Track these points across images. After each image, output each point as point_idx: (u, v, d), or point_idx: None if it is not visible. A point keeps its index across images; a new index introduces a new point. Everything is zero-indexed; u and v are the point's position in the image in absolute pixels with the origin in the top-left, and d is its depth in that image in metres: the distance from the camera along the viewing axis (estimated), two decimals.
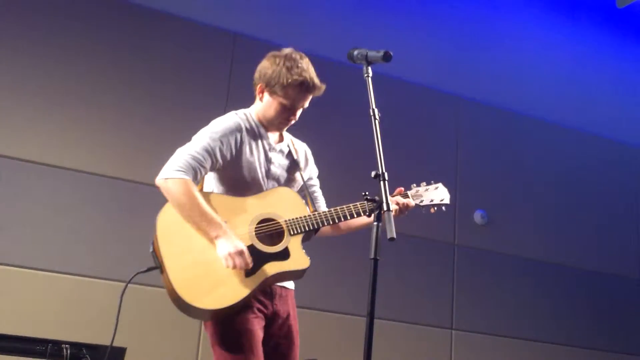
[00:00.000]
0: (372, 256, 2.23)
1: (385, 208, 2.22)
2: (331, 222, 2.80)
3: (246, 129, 2.85)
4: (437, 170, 5.19)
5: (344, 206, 2.83)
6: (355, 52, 2.59)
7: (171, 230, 2.71)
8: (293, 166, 2.98)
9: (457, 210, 5.66)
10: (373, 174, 2.36)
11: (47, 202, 4.41)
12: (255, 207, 2.79)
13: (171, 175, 2.69)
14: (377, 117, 2.45)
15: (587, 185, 6.29)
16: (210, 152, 2.74)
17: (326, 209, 2.92)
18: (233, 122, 2.84)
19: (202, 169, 2.73)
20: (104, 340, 3.41)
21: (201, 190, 2.83)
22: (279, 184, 2.91)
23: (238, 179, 2.83)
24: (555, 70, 6.35)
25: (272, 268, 2.70)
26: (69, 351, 3.12)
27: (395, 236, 2.15)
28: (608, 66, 6.61)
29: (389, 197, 2.27)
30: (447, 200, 3.02)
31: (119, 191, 4.59)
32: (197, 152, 2.73)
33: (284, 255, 2.73)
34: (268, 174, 2.88)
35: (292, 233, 2.75)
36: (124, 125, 4.70)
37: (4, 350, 3.16)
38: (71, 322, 4.26)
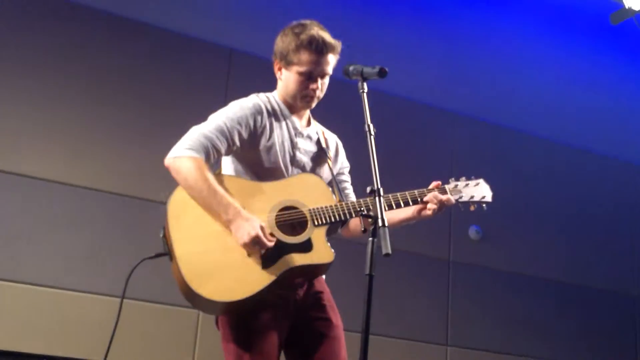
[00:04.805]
0: (367, 272, 2.21)
1: (380, 224, 2.21)
2: (363, 213, 2.55)
3: (267, 110, 2.72)
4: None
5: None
6: (351, 68, 2.59)
7: (183, 214, 2.53)
8: (321, 155, 2.81)
9: (451, 226, 5.67)
10: (368, 189, 2.35)
11: (42, 217, 4.40)
12: (276, 193, 2.61)
13: (181, 153, 2.55)
14: (372, 132, 2.44)
15: (581, 201, 6.31)
16: (225, 133, 2.61)
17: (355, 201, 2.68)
18: (252, 103, 2.71)
19: (215, 151, 2.58)
20: (98, 356, 3.40)
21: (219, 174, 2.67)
22: (304, 172, 2.75)
23: (258, 164, 2.68)
24: (550, 86, 6.38)
25: (292, 260, 2.50)
26: None
27: (390, 252, 2.14)
28: (603, 83, 6.64)
29: (384, 212, 2.26)
30: (489, 198, 2.84)
31: (114, 206, 4.59)
32: (211, 131, 2.59)
33: (307, 247, 2.54)
34: (293, 160, 2.73)
35: (316, 223, 2.58)
36: (120, 140, 4.70)
37: None
38: (65, 338, 4.24)
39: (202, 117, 2.72)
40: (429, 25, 6.01)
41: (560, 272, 6.03)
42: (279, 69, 2.79)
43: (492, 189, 2.88)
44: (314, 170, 2.79)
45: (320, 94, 2.77)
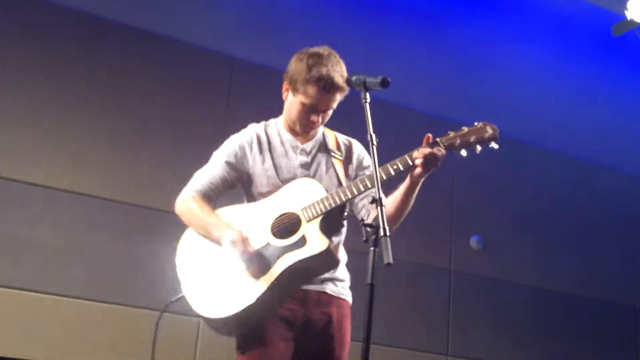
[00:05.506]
0: (368, 281, 2.21)
1: (382, 233, 2.21)
2: (354, 194, 2.61)
3: (259, 139, 2.82)
4: (433, 196, 5.20)
5: (368, 174, 2.66)
6: (354, 78, 2.60)
7: (187, 255, 2.73)
8: (328, 161, 2.84)
9: (452, 235, 5.67)
10: (370, 198, 2.36)
11: (47, 225, 4.41)
12: (272, 206, 2.70)
13: (182, 198, 2.78)
14: (374, 142, 2.45)
15: (583, 212, 6.30)
16: (223, 170, 2.78)
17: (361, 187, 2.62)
18: (243, 135, 2.84)
19: (214, 188, 2.77)
20: None
21: None
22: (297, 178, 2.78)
23: (262, 190, 2.76)
24: (552, 97, 6.39)
25: (287, 259, 2.57)
26: None
27: (392, 262, 2.14)
28: (605, 94, 6.65)
29: (385, 222, 2.26)
30: (494, 134, 2.67)
31: (119, 214, 4.59)
32: (209, 172, 2.79)
33: (301, 243, 2.59)
34: (295, 178, 2.77)
35: (308, 219, 2.63)
36: (123, 148, 4.71)
37: None
38: (69, 345, 4.25)
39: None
40: (432, 35, 6.03)
41: (561, 282, 6.03)
42: (287, 90, 2.82)
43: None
44: (322, 179, 2.79)
45: (320, 124, 2.82)
